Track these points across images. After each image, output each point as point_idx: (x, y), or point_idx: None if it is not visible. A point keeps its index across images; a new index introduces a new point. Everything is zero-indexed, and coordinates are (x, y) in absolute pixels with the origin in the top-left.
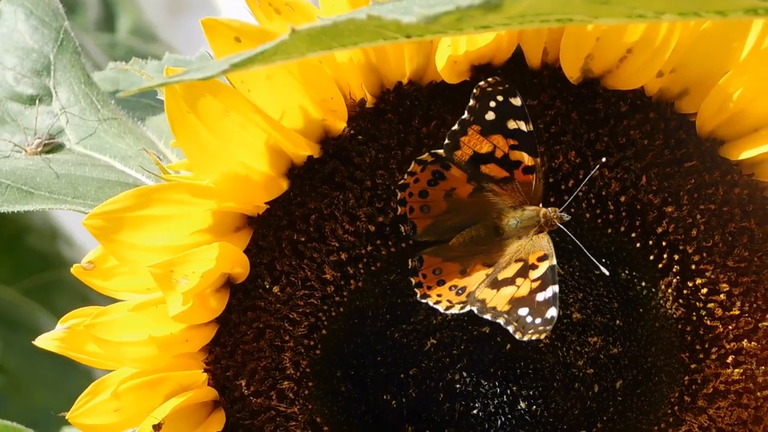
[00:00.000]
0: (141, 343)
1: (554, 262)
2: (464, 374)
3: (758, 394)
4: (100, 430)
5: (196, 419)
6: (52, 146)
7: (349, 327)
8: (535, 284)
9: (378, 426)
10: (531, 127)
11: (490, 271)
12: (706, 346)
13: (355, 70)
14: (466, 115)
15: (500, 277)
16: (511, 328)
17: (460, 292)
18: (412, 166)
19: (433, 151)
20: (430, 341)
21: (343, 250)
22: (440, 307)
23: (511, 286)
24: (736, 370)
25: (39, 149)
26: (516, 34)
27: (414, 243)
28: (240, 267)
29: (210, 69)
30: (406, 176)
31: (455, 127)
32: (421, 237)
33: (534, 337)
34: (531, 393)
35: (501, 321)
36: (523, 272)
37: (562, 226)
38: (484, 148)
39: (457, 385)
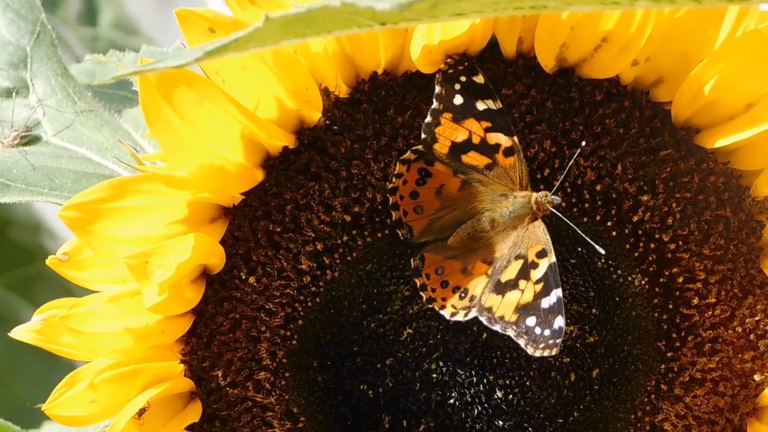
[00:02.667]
0: (117, 334)
1: (553, 258)
2: (441, 364)
3: (735, 382)
4: (76, 421)
5: (173, 410)
6: (28, 138)
7: (326, 317)
8: (539, 287)
9: (355, 416)
10: (500, 104)
11: (490, 269)
12: (683, 334)
13: (330, 60)
14: (435, 104)
15: (503, 278)
16: (522, 342)
17: (463, 295)
18: (397, 167)
19: (414, 148)
20: (406, 331)
21: (319, 240)
22: (445, 313)
23: (515, 291)
24: (713, 358)
25: (15, 142)
26: (490, 23)
27: (407, 245)
28: (216, 258)
29: (184, 57)
30: (393, 179)
31: (428, 119)
32: (419, 239)
33: (546, 353)
34: (507, 382)
35: (511, 333)
36: (524, 272)
37: (554, 210)
38: (460, 136)
39: (434, 375)
